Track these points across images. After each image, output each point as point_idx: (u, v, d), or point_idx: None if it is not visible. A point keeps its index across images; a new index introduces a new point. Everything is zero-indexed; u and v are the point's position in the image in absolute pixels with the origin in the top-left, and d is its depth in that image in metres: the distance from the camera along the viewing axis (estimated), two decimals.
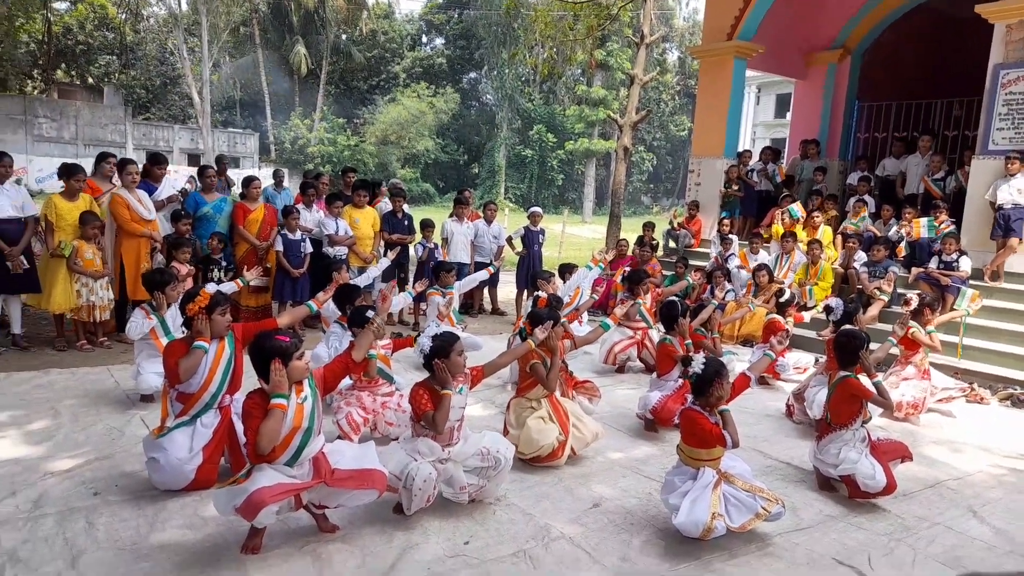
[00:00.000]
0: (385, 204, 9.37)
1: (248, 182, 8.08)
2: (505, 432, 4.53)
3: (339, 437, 4.43)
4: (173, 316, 5.18)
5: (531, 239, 9.81)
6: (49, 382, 5.62)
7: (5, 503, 3.61)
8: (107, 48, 38.80)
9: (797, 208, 9.83)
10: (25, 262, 6.33)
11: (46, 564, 3.10)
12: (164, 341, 4.97)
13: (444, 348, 3.69)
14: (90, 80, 38.59)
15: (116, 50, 38.79)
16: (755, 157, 12.23)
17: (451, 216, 9.48)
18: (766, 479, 4.50)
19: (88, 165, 7.32)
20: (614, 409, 5.81)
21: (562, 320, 4.81)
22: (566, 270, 7.54)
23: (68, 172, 6.70)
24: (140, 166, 7.34)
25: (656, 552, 3.52)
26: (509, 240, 9.92)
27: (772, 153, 11.82)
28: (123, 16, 38.36)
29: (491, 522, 3.73)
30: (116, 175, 7.09)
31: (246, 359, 3.50)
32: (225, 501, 3.12)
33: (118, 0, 38.44)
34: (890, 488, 4.09)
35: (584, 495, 4.13)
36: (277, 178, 9.87)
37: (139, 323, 5.12)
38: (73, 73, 38.52)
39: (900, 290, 8.38)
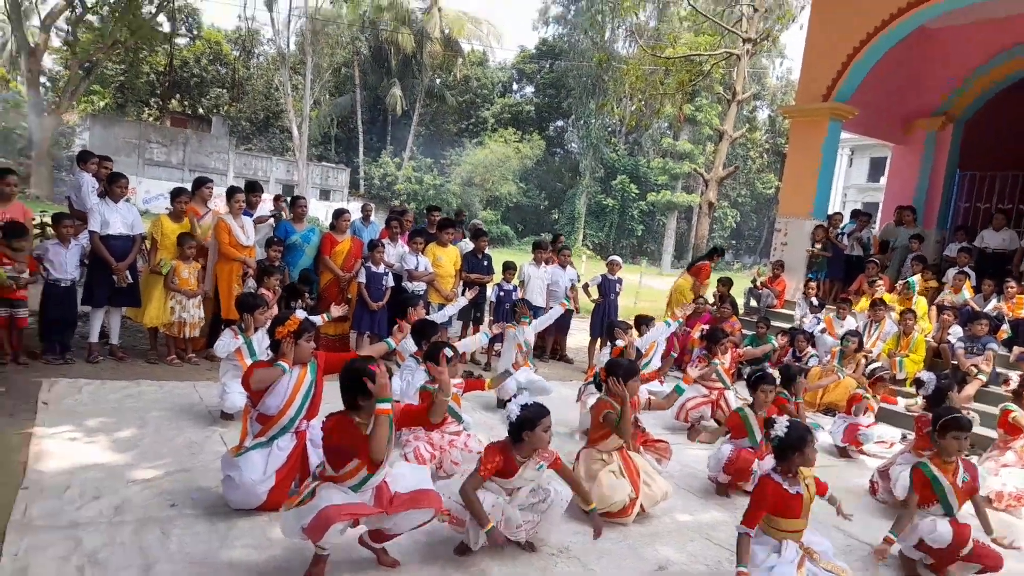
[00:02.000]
0: (466, 244, 9.52)
1: (339, 214, 8.37)
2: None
3: None
4: (260, 339, 5.37)
5: (608, 287, 9.75)
6: (139, 392, 5.89)
7: (90, 506, 3.78)
8: (219, 82, 41.41)
9: (916, 280, 9.42)
10: (129, 277, 6.72)
11: (122, 570, 3.20)
12: (248, 362, 5.14)
13: (532, 421, 3.59)
14: (200, 111, 41.20)
15: (227, 84, 41.36)
16: (845, 219, 11.88)
17: (530, 261, 9.57)
18: (846, 559, 4.25)
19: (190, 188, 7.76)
20: (684, 469, 5.63)
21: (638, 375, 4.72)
22: (642, 322, 7.43)
23: (175, 195, 7.15)
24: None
25: None
26: (585, 287, 9.90)
27: (866, 217, 11.45)
28: (236, 53, 40.99)
29: (552, 574, 3.65)
30: (211, 199, 7.50)
31: (325, 387, 3.58)
32: (293, 522, 3.16)
33: (233, 38, 41.18)
34: (953, 548, 3.76)
35: (649, 556, 4.00)
36: (365, 212, 10.20)
37: (227, 342, 5.34)
38: (186, 103, 41.23)
39: (999, 369, 7.87)
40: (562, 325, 9.52)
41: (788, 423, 3.55)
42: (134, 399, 5.71)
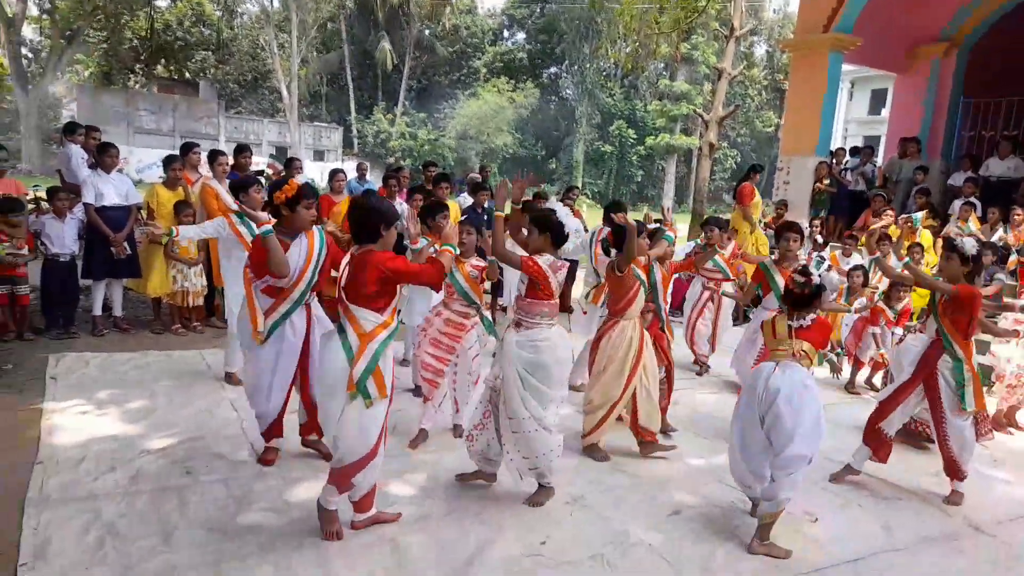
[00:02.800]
0: (465, 198, 9.41)
1: (333, 175, 8.25)
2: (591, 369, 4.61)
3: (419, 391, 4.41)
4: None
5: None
6: (146, 363, 5.89)
7: (105, 478, 3.80)
8: (203, 44, 40.54)
9: (920, 216, 9.28)
10: (128, 248, 6.66)
11: (142, 539, 3.23)
12: (243, 231, 4.96)
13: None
14: (187, 75, 40.46)
15: (212, 46, 40.52)
16: (847, 155, 11.70)
17: None
18: (857, 494, 4.29)
19: None
20: (694, 413, 5.65)
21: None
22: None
23: (168, 162, 7.03)
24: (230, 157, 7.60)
25: (740, 566, 3.39)
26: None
27: (869, 151, 11.27)
28: (219, 13, 40.05)
29: (567, 523, 3.68)
30: (205, 164, 7.34)
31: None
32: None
33: None
34: None
35: (664, 501, 4.03)
36: (360, 171, 10.09)
37: (218, 223, 5.12)
38: (172, 68, 40.47)
39: (1008, 299, 7.82)
40: (569, 274, 9.45)
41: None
42: (142, 370, 5.72)
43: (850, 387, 6.87)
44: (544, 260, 3.67)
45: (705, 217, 7.34)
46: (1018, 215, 8.55)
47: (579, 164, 39.96)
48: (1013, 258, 8.29)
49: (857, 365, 7.02)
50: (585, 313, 6.25)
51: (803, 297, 3.57)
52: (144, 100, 35.28)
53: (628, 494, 4.08)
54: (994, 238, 8.67)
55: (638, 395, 4.55)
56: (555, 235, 3.73)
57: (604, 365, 4.51)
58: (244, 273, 4.00)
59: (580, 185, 38.78)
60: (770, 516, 3.46)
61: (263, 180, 8.06)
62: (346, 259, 3.29)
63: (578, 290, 10.41)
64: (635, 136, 39.67)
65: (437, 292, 4.48)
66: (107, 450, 4.13)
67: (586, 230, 8.08)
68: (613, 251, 4.61)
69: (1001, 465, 5.06)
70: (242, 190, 5.03)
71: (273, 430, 4.07)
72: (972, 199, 9.43)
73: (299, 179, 3.89)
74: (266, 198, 4.26)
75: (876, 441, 4.43)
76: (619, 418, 4.64)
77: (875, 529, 3.87)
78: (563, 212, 3.80)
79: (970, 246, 4.25)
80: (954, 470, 4.27)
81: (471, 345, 4.56)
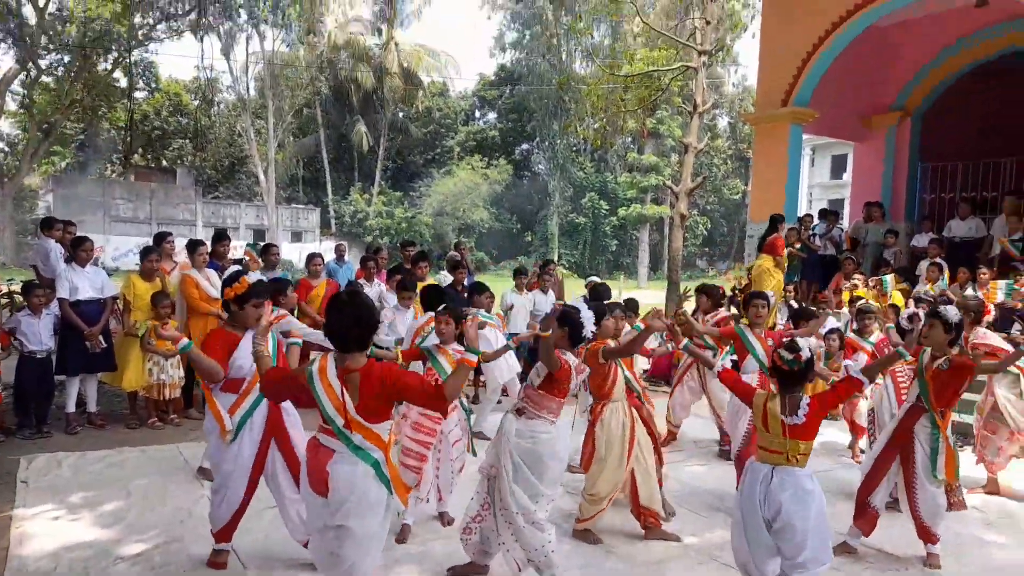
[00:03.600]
0: (445, 276, 9.45)
1: (310, 259, 8.27)
2: (589, 457, 4.48)
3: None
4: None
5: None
6: (121, 461, 5.71)
7: None
8: (181, 132, 41.12)
9: (890, 280, 9.48)
10: (103, 341, 6.56)
11: None
12: None
13: None
14: (164, 163, 40.84)
15: (189, 134, 41.11)
16: (814, 220, 12.00)
17: (512, 288, 9.50)
18: (858, 567, 4.21)
19: None
20: (684, 488, 5.57)
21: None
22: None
23: (145, 253, 7.02)
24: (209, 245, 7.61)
25: None
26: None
27: (834, 216, 11.59)
28: (196, 102, 40.82)
29: None
30: (179, 254, 7.34)
31: None
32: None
33: (192, 88, 41.02)
34: None
35: None
36: (339, 252, 10.13)
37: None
38: (149, 156, 40.86)
39: None
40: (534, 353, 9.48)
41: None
42: (117, 468, 5.54)
43: (853, 454, 6.75)
44: (572, 361, 3.70)
45: (700, 285, 7.45)
46: (983, 274, 8.77)
47: (554, 236, 40.52)
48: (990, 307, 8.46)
49: (856, 431, 6.89)
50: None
51: (792, 375, 3.40)
52: (121, 188, 35.42)
53: None
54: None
55: (636, 474, 4.49)
56: (573, 334, 3.73)
57: (604, 453, 4.45)
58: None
59: (556, 257, 39.26)
60: None
61: (243, 267, 8.09)
62: (332, 371, 2.92)
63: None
64: (607, 207, 40.48)
65: (444, 417, 4.34)
66: (80, 558, 3.96)
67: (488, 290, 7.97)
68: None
69: (996, 528, 5.01)
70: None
71: (224, 532, 3.90)
72: (938, 260, 9.67)
73: (252, 277, 3.91)
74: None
75: (863, 514, 4.41)
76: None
77: None
78: (587, 314, 3.78)
79: (953, 314, 4.32)
80: (926, 534, 4.28)
81: (451, 429, 4.49)
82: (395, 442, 4.07)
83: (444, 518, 4.57)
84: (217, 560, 3.90)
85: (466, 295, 9.01)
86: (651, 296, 26.43)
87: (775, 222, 10.40)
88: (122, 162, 38.32)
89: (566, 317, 3.75)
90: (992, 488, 5.74)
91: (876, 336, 6.77)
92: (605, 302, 6.37)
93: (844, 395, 3.64)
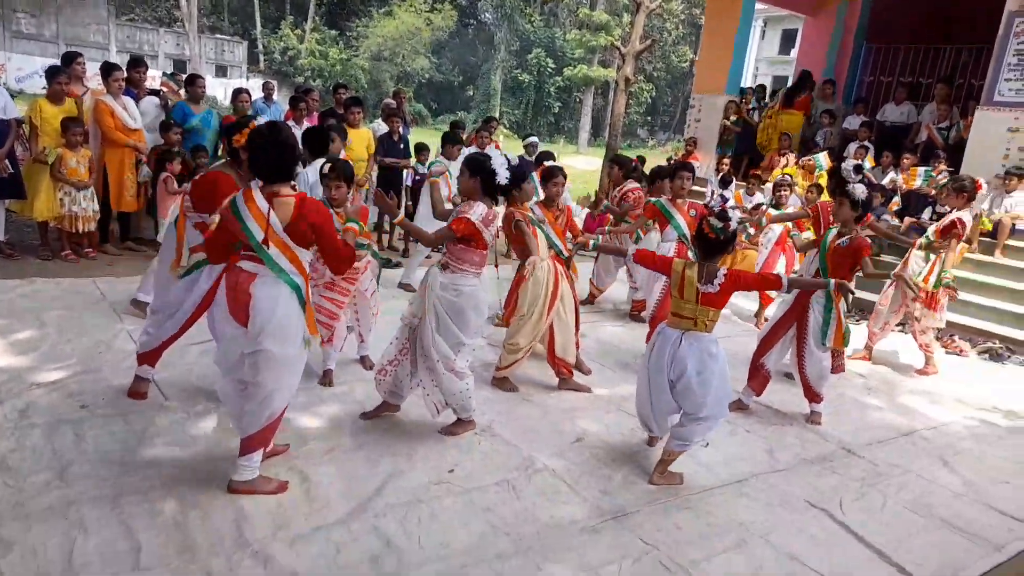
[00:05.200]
0: (379, 125, 9.13)
1: (236, 94, 7.84)
2: (511, 311, 4.67)
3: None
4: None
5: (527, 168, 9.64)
6: (34, 291, 5.55)
7: None
8: None
9: (823, 158, 9.64)
10: (10, 166, 6.16)
11: (35, 473, 3.12)
12: None
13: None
14: None
15: None
16: (766, 92, 12.02)
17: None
18: (745, 421, 4.60)
19: None
20: (601, 346, 5.85)
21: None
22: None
23: (53, 74, 6.46)
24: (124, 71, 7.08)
25: (636, 488, 3.61)
26: None
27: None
28: None
29: (476, 452, 3.80)
30: (91, 78, 6.81)
31: None
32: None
33: None
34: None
35: (568, 429, 4.21)
36: (267, 91, 9.60)
37: None
38: None
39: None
40: None
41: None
42: (29, 298, 5.38)
43: (758, 322, 7.13)
44: (476, 214, 3.61)
45: (612, 155, 7.39)
46: (907, 159, 9.07)
47: (497, 92, 39.28)
48: (896, 199, 8.84)
49: (763, 300, 7.29)
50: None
51: (717, 243, 3.51)
52: (23, 1, 31.94)
53: (535, 423, 4.24)
54: (885, 180, 9.19)
55: (555, 326, 4.70)
56: (485, 183, 3.66)
57: (528, 308, 4.59)
58: (181, 201, 3.80)
59: (498, 115, 38.29)
60: (675, 454, 3.66)
61: (160, 99, 7.59)
62: (259, 196, 2.94)
63: None
64: (554, 66, 39.22)
65: (337, 275, 4.07)
66: None
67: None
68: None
69: (875, 393, 5.52)
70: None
71: (150, 356, 3.91)
72: (866, 143, 9.91)
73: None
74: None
75: (756, 375, 4.77)
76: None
77: (760, 453, 4.19)
78: (499, 161, 3.67)
79: (860, 192, 4.50)
80: (812, 394, 4.70)
81: (367, 286, 4.53)
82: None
83: (365, 362, 4.70)
84: (138, 390, 3.93)
85: (402, 146, 8.78)
86: (589, 163, 26.37)
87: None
88: None
89: (476, 165, 3.67)
90: (866, 355, 6.27)
91: (792, 208, 7.07)
92: (549, 163, 6.34)
93: (761, 286, 3.96)
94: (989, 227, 8.08)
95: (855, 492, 3.81)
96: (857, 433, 4.62)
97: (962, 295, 7.53)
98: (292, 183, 3.05)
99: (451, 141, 7.31)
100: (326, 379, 4.44)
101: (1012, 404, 5.48)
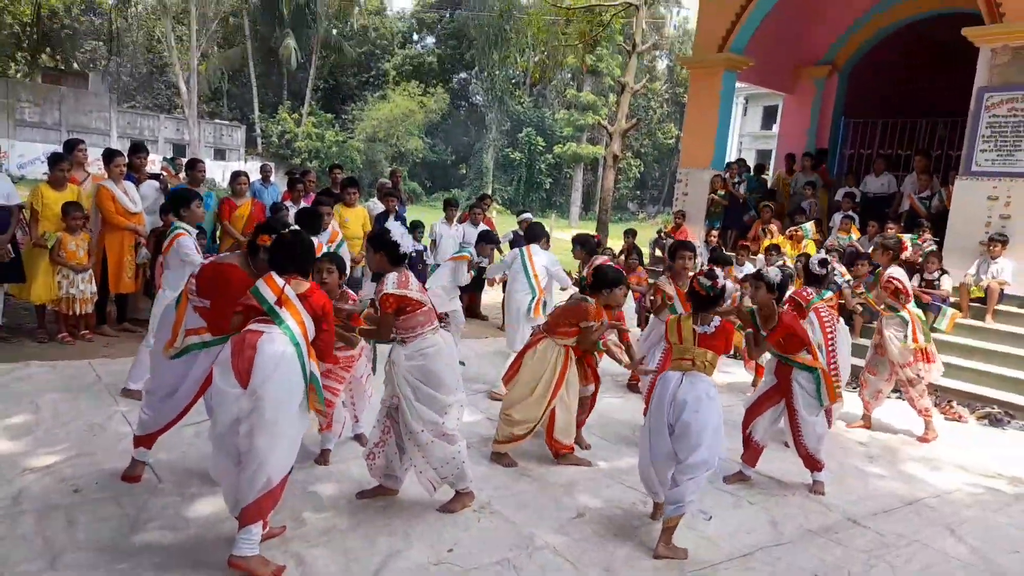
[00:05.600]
0: (375, 204, 9.32)
1: (235, 177, 7.99)
2: (511, 376, 4.66)
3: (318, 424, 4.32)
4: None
5: (520, 244, 9.79)
6: (29, 375, 5.53)
7: None
8: (94, 34, 38.25)
9: (810, 227, 9.87)
10: (11, 251, 6.23)
11: (26, 562, 3.06)
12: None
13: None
14: (75, 66, 38.00)
15: (103, 36, 38.25)
16: (749, 167, 12.34)
17: (442, 220, 9.48)
18: (748, 492, 4.55)
19: None
20: (600, 419, 5.80)
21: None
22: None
23: (55, 161, 6.62)
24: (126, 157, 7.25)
25: (640, 564, 3.54)
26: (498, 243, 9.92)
27: (760, 168, 11.94)
28: (111, 1, 37.90)
29: (475, 529, 3.73)
30: (92, 164, 6.98)
31: None
32: None
33: None
34: None
35: (568, 504, 4.15)
36: (264, 173, 9.82)
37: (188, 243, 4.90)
38: (58, 58, 37.93)
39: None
40: (477, 282, 9.59)
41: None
42: (24, 382, 5.36)
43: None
44: (391, 285, 3.63)
45: (574, 235, 7.48)
46: (890, 228, 9.26)
47: (489, 170, 40.17)
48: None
49: (758, 371, 7.26)
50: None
51: (708, 299, 3.78)
52: (26, 91, 32.83)
53: (534, 499, 4.18)
54: (871, 249, 9.34)
55: (557, 411, 4.64)
56: (390, 255, 3.73)
57: (531, 385, 4.56)
58: (187, 284, 3.84)
59: (490, 191, 39.06)
60: (674, 519, 3.62)
61: (160, 183, 7.77)
62: (277, 277, 3.23)
63: (488, 297, 10.52)
64: (544, 144, 40.29)
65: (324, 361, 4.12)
66: None
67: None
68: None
69: (877, 460, 5.48)
70: (183, 205, 4.99)
71: (146, 439, 3.87)
72: (851, 213, 10.14)
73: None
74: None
75: (747, 447, 4.74)
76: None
77: (763, 525, 4.12)
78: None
79: (774, 275, 4.54)
80: (812, 463, 4.66)
81: (361, 372, 4.56)
82: None
83: (361, 439, 4.66)
84: (132, 473, 3.88)
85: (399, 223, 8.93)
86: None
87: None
88: (28, 62, 35.54)
89: (379, 242, 3.75)
90: (867, 423, 6.25)
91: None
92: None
93: (748, 324, 4.30)
94: (980, 293, 8.20)
95: (862, 564, 3.74)
96: (861, 502, 4.57)
97: (958, 361, 7.61)
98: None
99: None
100: (323, 458, 4.40)
101: (1015, 470, 5.45)
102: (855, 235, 9.78)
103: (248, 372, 3.03)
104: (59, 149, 7.26)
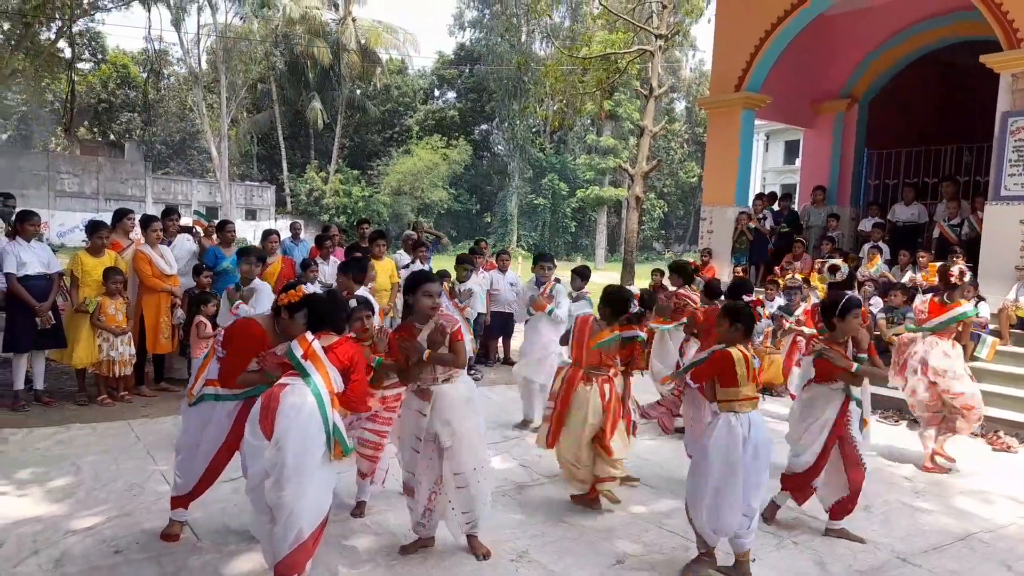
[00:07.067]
0: (402, 255, 9.46)
1: (266, 235, 8.19)
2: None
3: (359, 471, 4.35)
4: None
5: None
6: (70, 438, 5.64)
7: (27, 563, 3.61)
8: (129, 105, 39.89)
9: (843, 264, 9.81)
10: (52, 317, 6.43)
11: None
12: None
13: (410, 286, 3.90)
14: (112, 136, 39.57)
15: (137, 108, 39.86)
16: (776, 200, 12.35)
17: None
18: (790, 532, 4.43)
19: (108, 219, 7.46)
20: (636, 460, 5.73)
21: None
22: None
23: (93, 229, 6.87)
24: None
25: None
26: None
27: (787, 199, 11.95)
28: (145, 75, 39.57)
29: None
30: (135, 230, 7.25)
31: None
32: None
33: (140, 60, 39.73)
34: None
35: (607, 550, 4.07)
36: (294, 231, 10.05)
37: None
38: (95, 130, 39.54)
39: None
40: (506, 328, 9.66)
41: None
42: (65, 445, 5.47)
43: None
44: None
45: (671, 263, 7.74)
46: (922, 257, 9.14)
47: (514, 217, 40.58)
48: (923, 298, 8.82)
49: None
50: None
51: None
52: (66, 162, 34.24)
53: (572, 545, 4.12)
54: (904, 279, 9.23)
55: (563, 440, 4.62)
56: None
57: (582, 427, 4.49)
58: (216, 335, 3.96)
59: (516, 238, 39.41)
60: (745, 555, 3.69)
61: (193, 236, 7.99)
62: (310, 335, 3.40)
63: (516, 342, 10.50)
64: (567, 189, 40.69)
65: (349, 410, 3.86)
66: (29, 533, 3.93)
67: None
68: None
69: (924, 496, 5.31)
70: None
71: (183, 499, 3.90)
72: (879, 243, 10.04)
73: (309, 288, 3.78)
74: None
75: (800, 490, 4.48)
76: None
77: (809, 566, 4.00)
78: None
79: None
80: (855, 500, 4.38)
81: None
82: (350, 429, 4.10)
83: (406, 487, 4.64)
84: (171, 532, 3.91)
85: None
86: (608, 277, 26.72)
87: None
88: (66, 135, 37.04)
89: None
90: (941, 467, 5.90)
91: (800, 310, 7.19)
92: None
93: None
94: (1021, 314, 8.02)
95: None
96: (910, 539, 4.42)
97: (1002, 388, 7.39)
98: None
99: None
100: (359, 510, 4.39)
101: None
102: (883, 266, 9.68)
103: (272, 423, 3.15)
104: (97, 217, 7.52)
